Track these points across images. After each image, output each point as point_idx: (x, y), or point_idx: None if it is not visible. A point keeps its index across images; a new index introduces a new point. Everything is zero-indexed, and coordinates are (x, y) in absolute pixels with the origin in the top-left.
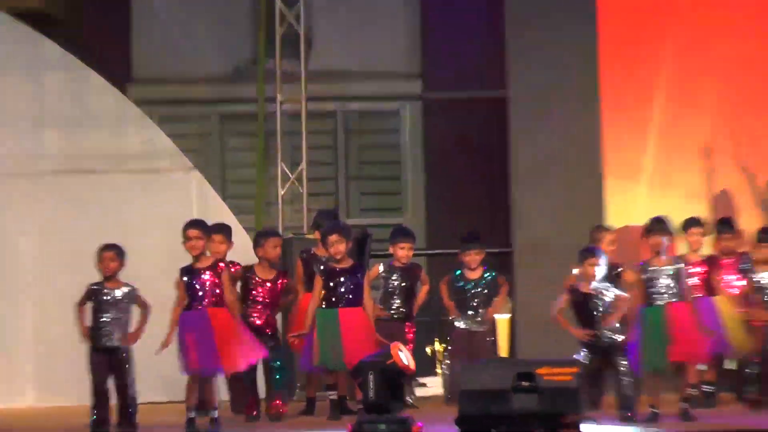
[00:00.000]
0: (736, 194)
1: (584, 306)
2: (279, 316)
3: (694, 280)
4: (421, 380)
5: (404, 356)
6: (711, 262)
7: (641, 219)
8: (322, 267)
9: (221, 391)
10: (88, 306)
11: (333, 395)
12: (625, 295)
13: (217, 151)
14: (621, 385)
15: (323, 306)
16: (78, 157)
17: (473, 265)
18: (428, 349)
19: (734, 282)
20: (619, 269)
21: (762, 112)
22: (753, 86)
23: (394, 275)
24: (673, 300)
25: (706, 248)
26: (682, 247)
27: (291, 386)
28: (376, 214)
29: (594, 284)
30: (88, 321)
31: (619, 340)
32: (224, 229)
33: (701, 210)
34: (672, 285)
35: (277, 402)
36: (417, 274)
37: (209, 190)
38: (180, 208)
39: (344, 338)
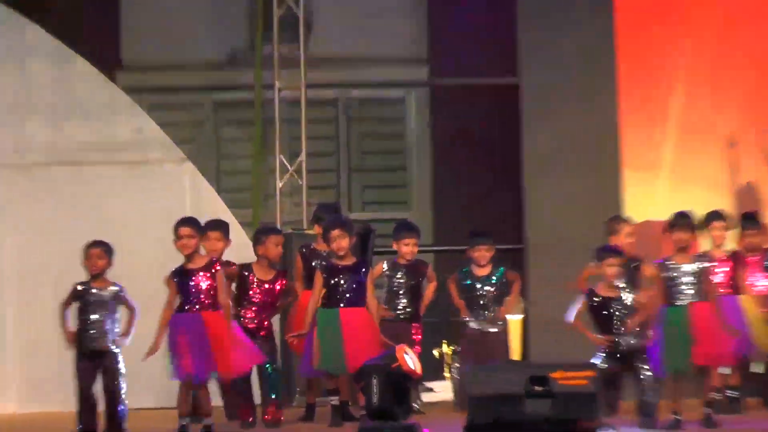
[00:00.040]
0: (760, 187)
1: (602, 310)
2: (276, 317)
3: (718, 278)
4: (429, 384)
5: (410, 359)
6: (736, 259)
7: (661, 213)
8: (323, 263)
9: (214, 396)
10: (74, 307)
11: (334, 401)
12: (645, 295)
13: (212, 142)
14: (641, 390)
15: (323, 305)
16: (64, 149)
17: (482, 262)
18: (436, 352)
19: (760, 280)
20: (638, 263)
21: None
22: None
23: (399, 273)
24: (696, 299)
25: (729, 243)
26: (704, 243)
27: (290, 391)
28: (380, 208)
29: (613, 286)
30: (74, 323)
31: (640, 343)
32: (221, 226)
33: (724, 204)
34: (695, 284)
35: (272, 408)
36: (423, 271)
37: (203, 183)
38: (172, 201)
39: (346, 340)
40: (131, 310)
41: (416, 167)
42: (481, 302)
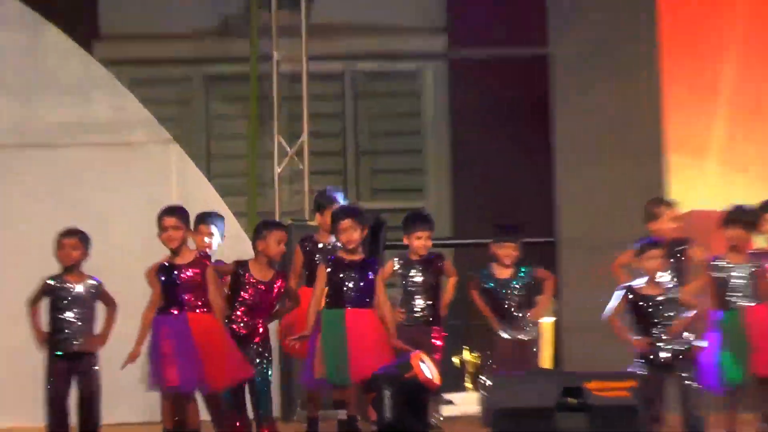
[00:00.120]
0: None
1: (643, 309)
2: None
3: None
4: (448, 397)
5: (427, 367)
6: None
7: (710, 203)
8: (328, 256)
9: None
10: (44, 304)
11: (341, 415)
12: (694, 290)
13: (201, 121)
14: (688, 403)
15: (327, 305)
16: (33, 129)
17: (507, 261)
18: (456, 359)
19: None
20: (683, 247)
21: None
22: None
23: (413, 271)
24: (752, 303)
25: None
26: (758, 239)
27: (289, 404)
28: (392, 196)
29: (655, 282)
30: (46, 322)
31: (684, 348)
32: (214, 219)
33: None
34: (750, 286)
35: (268, 425)
36: (440, 266)
37: (191, 167)
38: (156, 188)
39: (351, 345)
40: (111, 306)
41: (433, 150)
42: (506, 306)
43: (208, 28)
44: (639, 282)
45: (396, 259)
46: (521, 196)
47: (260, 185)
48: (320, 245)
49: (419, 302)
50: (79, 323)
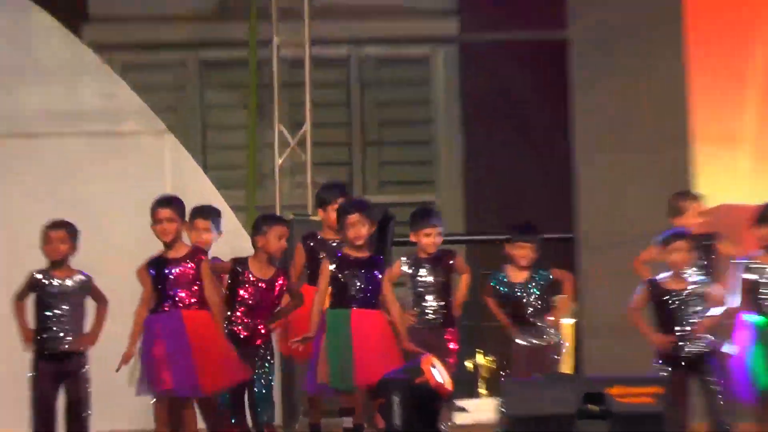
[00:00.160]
0: None
1: (666, 304)
2: None
3: None
4: (460, 403)
5: (438, 373)
6: None
7: (739, 197)
8: (334, 253)
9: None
10: (30, 300)
11: (347, 423)
12: (722, 286)
13: (197, 109)
14: (713, 408)
15: (331, 305)
16: (18, 117)
17: (524, 263)
18: (469, 364)
19: None
20: (711, 241)
21: None
22: None
23: (422, 270)
24: None
25: None
26: None
27: (291, 410)
28: (401, 189)
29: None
30: (32, 319)
31: (710, 350)
32: (211, 213)
33: None
34: None
35: None
36: (451, 263)
37: (186, 159)
38: (149, 181)
39: (355, 348)
40: (101, 303)
41: (443, 140)
42: (523, 310)
43: (205, 11)
44: (663, 276)
45: (403, 259)
46: (537, 189)
47: (260, 178)
48: (325, 242)
49: (431, 303)
50: (68, 321)
